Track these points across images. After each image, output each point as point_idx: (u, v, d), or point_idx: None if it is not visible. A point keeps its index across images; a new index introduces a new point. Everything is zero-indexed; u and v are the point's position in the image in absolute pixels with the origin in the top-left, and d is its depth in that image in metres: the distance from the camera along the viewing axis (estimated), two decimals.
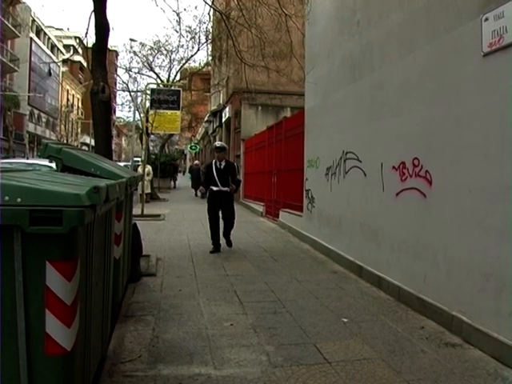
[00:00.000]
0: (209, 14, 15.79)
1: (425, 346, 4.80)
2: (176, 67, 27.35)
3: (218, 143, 10.64)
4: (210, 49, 25.64)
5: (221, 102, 32.51)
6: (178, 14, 25.56)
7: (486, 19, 4.71)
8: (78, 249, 2.59)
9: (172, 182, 36.29)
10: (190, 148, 46.70)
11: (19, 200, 2.31)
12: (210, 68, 33.85)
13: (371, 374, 4.12)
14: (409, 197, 6.19)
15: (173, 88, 24.62)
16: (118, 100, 39.47)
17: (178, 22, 27.19)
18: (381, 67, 7.15)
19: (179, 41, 38.35)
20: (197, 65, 30.75)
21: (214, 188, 9.67)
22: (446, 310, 5.27)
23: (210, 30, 22.75)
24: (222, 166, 9.76)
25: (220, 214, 10.01)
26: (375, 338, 4.96)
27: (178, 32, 24.94)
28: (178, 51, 26.59)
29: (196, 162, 37.53)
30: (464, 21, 5.11)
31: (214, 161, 9.94)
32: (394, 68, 6.70)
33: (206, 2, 12.29)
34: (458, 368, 4.28)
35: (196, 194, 28.72)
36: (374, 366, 4.28)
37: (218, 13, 13.27)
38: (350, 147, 8.30)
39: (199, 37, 23.79)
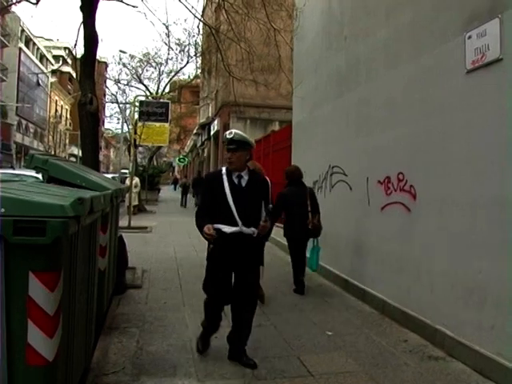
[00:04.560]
0: (198, 27, 15.87)
1: (408, 359, 4.83)
2: (165, 80, 27.46)
3: (229, 133, 4.66)
4: (200, 62, 25.76)
5: (210, 114, 32.63)
6: (167, 27, 25.79)
7: (469, 37, 4.81)
8: (61, 259, 2.60)
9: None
10: (179, 160, 46.69)
11: (3, 210, 2.33)
12: (199, 81, 33.99)
13: None
14: (393, 211, 6.25)
15: (161, 100, 24.66)
16: (107, 112, 39.30)
17: (168, 35, 27.29)
18: (367, 82, 7.24)
19: (168, 53, 38.46)
20: (186, 77, 30.88)
21: (228, 229, 4.45)
22: (430, 323, 5.32)
23: (200, 43, 22.87)
24: (243, 182, 4.61)
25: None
26: (359, 351, 4.98)
27: (167, 45, 25.02)
28: (167, 64, 26.71)
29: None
30: (448, 38, 5.20)
31: (223, 170, 4.68)
32: (380, 83, 6.79)
33: (195, 16, 12.41)
34: (440, 381, 4.32)
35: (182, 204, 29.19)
36: (357, 379, 4.31)
37: (207, 26, 13.37)
38: (336, 161, 8.36)
39: (188, 50, 23.92)
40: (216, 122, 29.04)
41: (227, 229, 4.44)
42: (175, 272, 8.78)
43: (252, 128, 23.95)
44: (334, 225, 8.32)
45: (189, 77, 30.46)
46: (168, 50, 25.32)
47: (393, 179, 6.28)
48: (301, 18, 10.38)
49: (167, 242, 13.00)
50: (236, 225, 4.45)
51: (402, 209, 6.01)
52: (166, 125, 23.81)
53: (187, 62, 24.83)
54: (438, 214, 5.27)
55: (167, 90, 28.45)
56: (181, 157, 47.68)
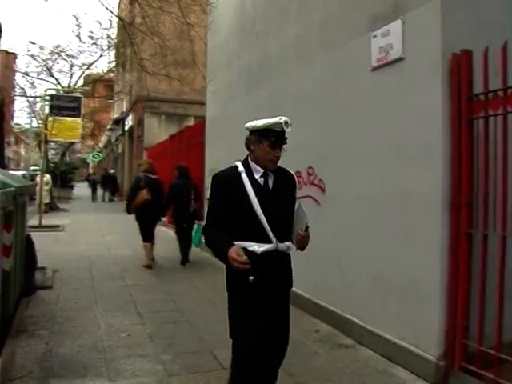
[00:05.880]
0: (110, 19, 15.50)
1: (319, 348, 4.98)
2: (77, 73, 26.58)
3: (285, 122, 3.26)
4: (113, 55, 25.13)
5: (124, 109, 32.02)
6: (77, 19, 24.97)
7: (375, 36, 4.99)
8: None
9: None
10: (93, 156, 45.49)
11: None
12: (113, 75, 33.20)
13: None
14: (304, 205, 6.35)
15: (73, 94, 23.86)
16: (17, 105, 37.70)
17: (78, 26, 26.40)
18: (278, 78, 7.33)
19: (79, 46, 37.20)
20: (100, 71, 30.06)
21: (258, 248, 3.13)
22: (339, 313, 5.50)
23: (113, 36, 22.31)
24: (270, 183, 3.30)
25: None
26: None
27: (77, 37, 24.16)
28: (79, 56, 25.84)
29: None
30: (355, 36, 5.37)
31: (240, 167, 3.32)
32: (291, 79, 6.90)
33: (107, 8, 12.13)
34: (349, 367, 4.48)
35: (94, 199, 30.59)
36: None
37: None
38: None
39: (101, 42, 23.26)
40: (130, 117, 28.57)
41: (257, 247, 3.12)
42: (88, 271, 8.59)
43: (167, 123, 23.73)
44: None
45: (102, 70, 29.68)
46: (79, 42, 24.42)
47: (303, 173, 6.41)
48: (215, 13, 10.39)
49: (80, 240, 12.66)
50: (268, 241, 3.16)
51: (312, 202, 6.16)
52: (79, 120, 23.05)
53: (100, 56, 24.10)
54: (346, 207, 5.44)
55: (80, 83, 27.55)
56: (95, 153, 46.47)
